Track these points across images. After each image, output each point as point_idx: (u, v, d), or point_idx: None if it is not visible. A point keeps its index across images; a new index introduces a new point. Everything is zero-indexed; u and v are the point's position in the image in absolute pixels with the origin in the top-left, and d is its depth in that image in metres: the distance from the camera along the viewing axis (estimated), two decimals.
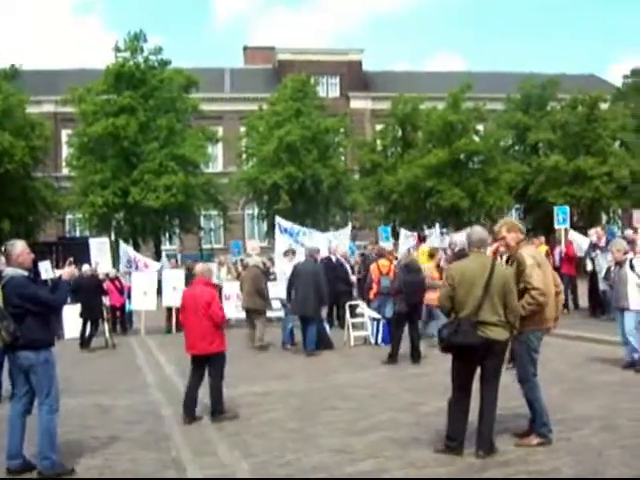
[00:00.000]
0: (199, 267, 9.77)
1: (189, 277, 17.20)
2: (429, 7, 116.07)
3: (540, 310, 7.16)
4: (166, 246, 43.95)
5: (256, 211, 47.35)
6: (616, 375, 10.61)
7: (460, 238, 13.36)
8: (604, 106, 45.12)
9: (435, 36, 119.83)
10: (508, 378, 7.47)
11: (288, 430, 8.30)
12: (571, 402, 8.78)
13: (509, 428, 7.60)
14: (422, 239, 23.47)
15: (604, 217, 45.81)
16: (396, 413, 8.90)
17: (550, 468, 6.48)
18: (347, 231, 23.12)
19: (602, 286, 15.78)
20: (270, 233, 38.08)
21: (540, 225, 40.83)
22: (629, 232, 17.77)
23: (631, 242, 12.77)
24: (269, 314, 17.11)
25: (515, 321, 6.93)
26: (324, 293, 14.45)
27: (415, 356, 12.65)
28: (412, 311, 12.87)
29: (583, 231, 21.55)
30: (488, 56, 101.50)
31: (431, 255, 15.55)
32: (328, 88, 57.68)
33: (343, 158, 46.22)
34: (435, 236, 23.49)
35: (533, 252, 7.53)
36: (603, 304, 16.41)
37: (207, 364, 9.02)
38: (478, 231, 7.31)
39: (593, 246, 17.08)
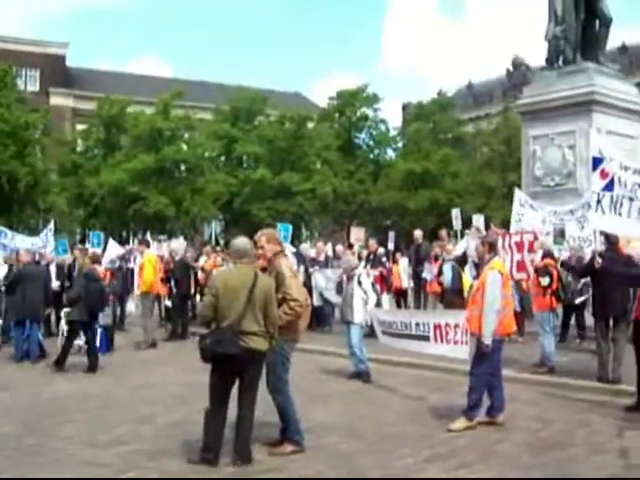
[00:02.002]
0: None
1: None
2: (137, 8, 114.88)
3: (296, 320, 7.54)
4: None
5: None
6: (346, 385, 11.40)
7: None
8: (310, 124, 47.82)
9: (142, 38, 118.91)
10: None
11: (27, 446, 7.86)
12: (311, 411, 9.24)
13: (257, 437, 7.86)
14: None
15: (304, 232, 48.55)
16: (135, 425, 8.83)
17: (314, 472, 6.90)
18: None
19: (317, 302, 16.72)
20: None
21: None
22: (339, 247, 19.21)
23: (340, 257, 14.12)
24: None
25: (274, 331, 7.22)
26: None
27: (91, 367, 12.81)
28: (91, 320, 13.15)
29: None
30: (195, 65, 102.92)
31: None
32: (27, 81, 54.77)
33: (41, 156, 44.09)
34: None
35: (290, 264, 7.91)
36: (321, 317, 17.38)
37: None
38: (240, 242, 7.49)
39: (312, 261, 18.07)
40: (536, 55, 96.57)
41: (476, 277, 9.80)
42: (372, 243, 17.99)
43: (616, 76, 18.76)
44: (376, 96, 53.23)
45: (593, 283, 11.48)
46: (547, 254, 12.42)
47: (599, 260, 10.34)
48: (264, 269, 7.76)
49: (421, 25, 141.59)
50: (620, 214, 10.32)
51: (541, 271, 11.91)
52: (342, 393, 10.75)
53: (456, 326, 9.85)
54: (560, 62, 18.36)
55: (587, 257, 12.52)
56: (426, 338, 10.47)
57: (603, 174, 10.57)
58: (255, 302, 7.02)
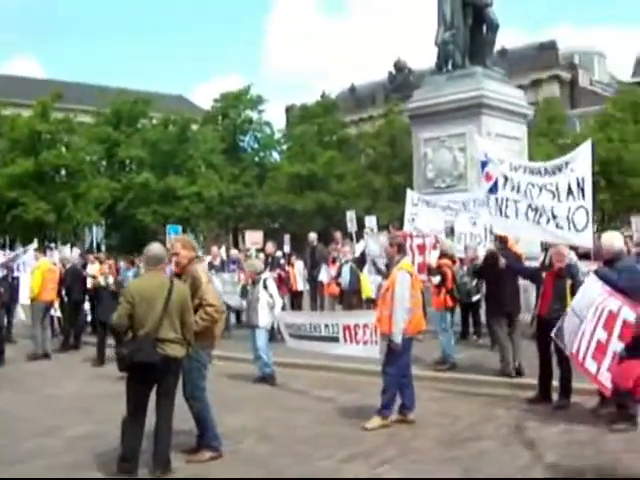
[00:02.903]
0: None
1: None
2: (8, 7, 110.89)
3: (212, 326, 7.58)
4: None
5: None
6: (253, 389, 11.48)
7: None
8: (194, 127, 47.52)
9: (13, 39, 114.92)
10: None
11: None
12: (222, 417, 9.24)
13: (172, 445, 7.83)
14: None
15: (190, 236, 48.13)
16: (43, 439, 8.66)
17: (238, 475, 6.98)
18: None
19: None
20: None
21: (127, 242, 41.54)
22: (234, 252, 19.21)
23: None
24: None
25: (191, 338, 7.23)
26: None
27: None
28: None
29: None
30: (71, 66, 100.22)
31: None
32: None
33: None
34: None
35: (204, 270, 7.94)
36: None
37: None
38: (155, 249, 7.45)
39: (209, 265, 17.99)
40: (419, 58, 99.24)
41: (386, 277, 10.06)
42: (270, 246, 18.09)
43: (502, 80, 19.56)
44: (260, 98, 53.42)
45: (487, 281, 12.17)
46: (444, 254, 12.85)
47: (503, 261, 10.87)
48: (178, 275, 7.77)
49: (304, 27, 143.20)
50: (507, 216, 10.80)
51: (433, 271, 12.34)
52: (250, 398, 10.81)
53: (365, 326, 10.07)
54: (449, 66, 18.98)
55: (480, 255, 13.19)
56: (336, 339, 10.66)
57: (488, 177, 11.06)
58: (172, 309, 7.01)
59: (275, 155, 56.23)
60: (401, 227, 17.19)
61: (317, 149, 50.86)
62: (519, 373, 11.05)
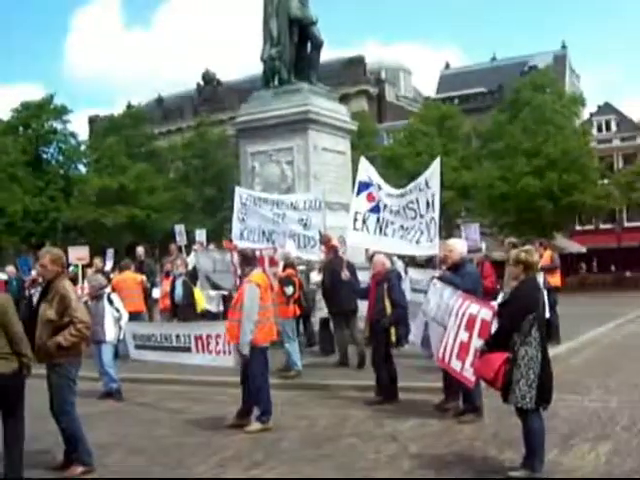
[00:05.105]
0: None
1: None
2: None
3: (80, 342, 7.67)
4: None
5: None
6: (101, 405, 11.44)
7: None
8: None
9: None
10: None
11: None
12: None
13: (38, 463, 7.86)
14: None
15: None
16: None
17: None
18: None
19: None
20: None
21: None
22: None
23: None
24: None
25: (24, 350, 7.00)
26: None
27: None
28: None
29: None
30: None
31: None
32: None
33: None
34: None
35: (71, 286, 7.93)
36: None
37: None
38: None
39: (32, 282, 17.57)
40: (227, 70, 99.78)
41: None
42: (98, 262, 17.92)
43: (328, 96, 20.43)
44: (65, 108, 51.95)
45: (324, 285, 13.72)
46: (289, 264, 13.43)
47: (347, 273, 11.85)
48: (45, 290, 7.81)
49: (107, 37, 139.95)
50: (386, 234, 11.64)
51: (284, 281, 12.89)
52: (101, 414, 10.77)
53: (218, 336, 10.46)
54: (276, 82, 19.61)
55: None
56: (188, 349, 10.96)
57: (370, 197, 11.86)
58: None
59: (81, 167, 54.81)
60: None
61: (127, 161, 50.20)
62: (362, 364, 12.75)
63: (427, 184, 10.84)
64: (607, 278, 48.25)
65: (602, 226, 53.83)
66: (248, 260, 9.85)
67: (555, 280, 15.63)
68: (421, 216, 10.94)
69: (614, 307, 25.03)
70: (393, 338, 10.27)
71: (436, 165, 10.90)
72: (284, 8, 19.37)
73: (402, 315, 10.45)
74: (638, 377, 12.00)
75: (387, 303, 10.30)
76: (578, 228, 52.85)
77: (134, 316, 15.21)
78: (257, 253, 13.98)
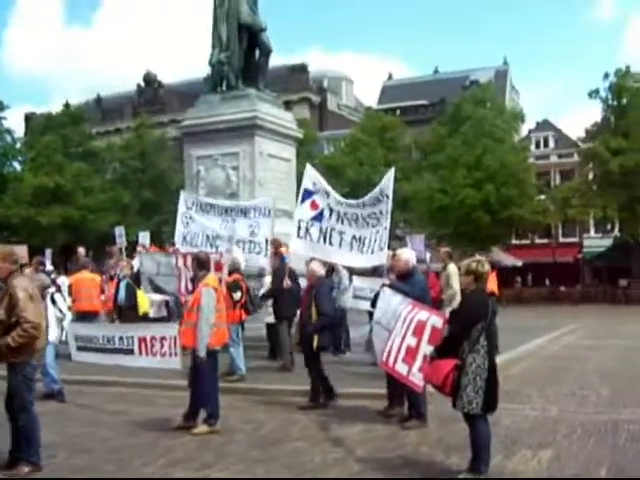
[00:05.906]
0: None
1: None
2: None
3: (32, 342, 7.63)
4: None
5: None
6: (44, 406, 11.13)
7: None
8: None
9: None
10: None
11: None
12: None
13: None
14: None
15: None
16: None
17: None
18: None
19: None
20: None
21: None
22: None
23: None
24: None
25: None
26: None
27: None
28: None
29: None
30: None
31: None
32: None
33: None
34: None
35: (27, 284, 7.86)
36: None
37: None
38: None
39: None
40: (168, 72, 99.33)
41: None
42: (36, 261, 17.66)
43: (274, 103, 20.63)
44: (1, 104, 51.11)
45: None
46: (235, 270, 13.53)
47: (288, 282, 12.26)
48: None
49: (47, 33, 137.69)
50: (332, 244, 11.80)
51: (232, 286, 13.00)
52: (45, 414, 10.47)
53: (163, 339, 10.49)
54: (224, 87, 19.74)
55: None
56: (131, 351, 10.95)
57: (314, 206, 11.99)
58: None
59: (16, 165, 53.90)
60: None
61: (64, 160, 49.56)
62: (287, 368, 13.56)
63: (386, 194, 11.05)
64: (542, 292, 49.48)
65: (538, 241, 55.18)
66: (203, 264, 10.00)
67: (492, 286, 15.90)
68: (381, 226, 11.15)
69: (550, 320, 25.77)
70: (314, 345, 10.55)
71: (391, 175, 11.13)
72: (234, 13, 19.53)
73: (326, 323, 10.73)
74: (576, 387, 12.50)
75: (313, 310, 10.62)
76: (515, 242, 54.04)
77: (92, 316, 15.30)
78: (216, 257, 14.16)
